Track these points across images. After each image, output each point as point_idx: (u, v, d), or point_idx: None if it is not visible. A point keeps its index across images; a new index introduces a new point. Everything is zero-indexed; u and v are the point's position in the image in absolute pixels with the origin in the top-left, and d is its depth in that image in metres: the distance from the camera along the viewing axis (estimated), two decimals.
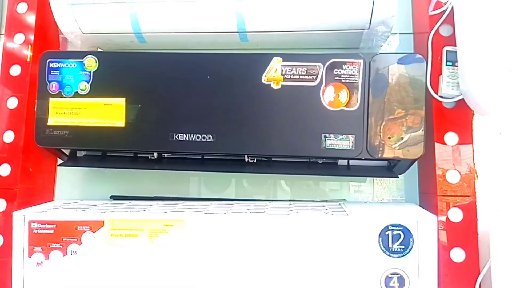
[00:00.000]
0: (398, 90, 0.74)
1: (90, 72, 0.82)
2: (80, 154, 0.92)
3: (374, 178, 0.93)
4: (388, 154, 0.74)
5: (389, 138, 0.74)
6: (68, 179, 1.02)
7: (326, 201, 0.91)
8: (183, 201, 0.88)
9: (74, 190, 1.02)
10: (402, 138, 0.74)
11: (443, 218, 0.77)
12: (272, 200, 0.89)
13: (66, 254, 0.76)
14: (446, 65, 0.79)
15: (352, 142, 0.74)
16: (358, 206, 0.80)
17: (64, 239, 0.77)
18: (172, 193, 0.97)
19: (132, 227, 0.76)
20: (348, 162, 0.81)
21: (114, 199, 0.96)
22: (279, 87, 0.76)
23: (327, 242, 0.71)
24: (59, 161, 0.94)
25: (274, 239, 0.72)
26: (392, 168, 0.81)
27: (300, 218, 0.73)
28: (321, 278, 0.71)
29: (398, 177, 0.83)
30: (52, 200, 1.00)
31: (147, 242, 0.75)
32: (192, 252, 0.74)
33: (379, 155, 0.74)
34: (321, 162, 0.83)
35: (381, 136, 0.74)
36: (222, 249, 0.73)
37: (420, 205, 0.84)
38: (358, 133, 0.74)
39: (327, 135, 0.75)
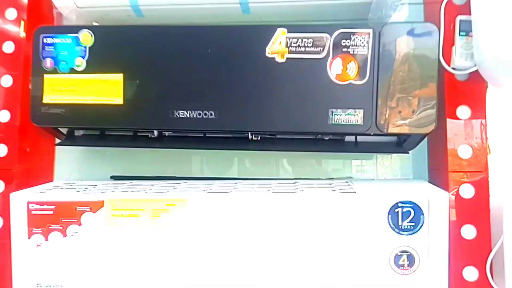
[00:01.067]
0: (410, 61, 0.71)
1: (85, 47, 0.79)
2: (78, 133, 0.90)
3: (378, 157, 0.90)
4: (398, 129, 0.71)
5: (400, 112, 0.71)
6: (68, 160, 1.00)
7: (333, 179, 0.88)
8: (185, 181, 0.86)
9: (74, 170, 1.00)
10: (413, 112, 0.70)
11: (454, 195, 0.74)
12: (276, 179, 0.86)
13: (66, 235, 0.75)
14: (460, 35, 0.75)
15: (361, 117, 0.71)
16: (365, 184, 0.78)
17: (63, 220, 0.75)
18: (174, 172, 0.95)
19: (133, 207, 0.74)
20: (356, 138, 0.78)
21: (114, 179, 0.94)
22: (283, 60, 0.73)
23: (334, 220, 0.69)
24: (58, 141, 0.91)
25: (279, 218, 0.70)
26: (401, 144, 0.78)
27: (306, 196, 0.71)
28: (328, 256, 0.69)
29: (408, 153, 0.80)
30: (52, 181, 0.98)
31: (148, 222, 0.73)
32: (195, 232, 0.72)
33: (389, 130, 0.71)
34: (327, 138, 0.80)
35: (391, 111, 0.71)
36: (226, 229, 0.71)
37: (429, 182, 0.81)
38: (367, 107, 0.71)
39: (334, 110, 0.72)
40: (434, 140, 0.83)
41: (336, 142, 0.80)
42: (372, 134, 0.71)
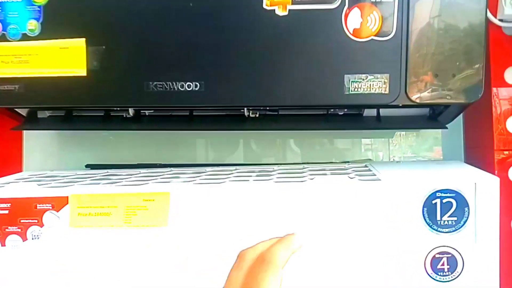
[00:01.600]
0: (449, 11, 0.55)
1: (39, 6, 0.63)
2: (43, 115, 0.75)
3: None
4: (435, 98, 0.55)
5: (436, 76, 0.55)
6: (39, 147, 0.86)
7: (348, 162, 0.74)
8: (171, 169, 0.72)
9: (46, 159, 0.87)
10: (454, 76, 0.55)
11: (502, 179, 0.59)
12: (281, 164, 0.71)
13: (26, 239, 0.61)
14: None
15: (386, 84, 0.56)
16: (390, 168, 0.63)
17: (22, 221, 0.61)
18: (162, 159, 0.81)
19: (103, 204, 0.60)
20: (378, 111, 0.63)
21: (91, 168, 0.80)
22: (286, 13, 0.57)
23: (354, 215, 0.55)
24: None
25: (285, 212, 0.56)
26: (436, 117, 0.63)
27: (318, 186, 0.56)
28: (347, 260, 0.55)
29: (446, 128, 0.64)
30: (21, 171, 0.84)
31: (122, 222, 0.58)
32: (180, 233, 0.57)
33: (423, 100, 0.55)
34: (341, 113, 0.65)
35: (426, 75, 0.55)
36: (217, 229, 0.57)
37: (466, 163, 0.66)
38: (394, 71, 0.55)
39: (351, 76, 0.56)
40: (474, 111, 0.67)
41: (353, 117, 0.65)
42: (400, 105, 0.56)
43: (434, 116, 0.63)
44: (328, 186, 0.56)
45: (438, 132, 0.77)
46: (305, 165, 0.70)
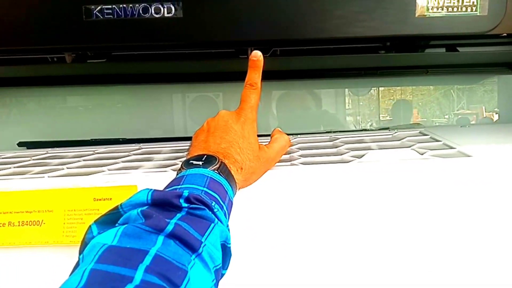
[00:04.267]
0: None
1: None
2: None
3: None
4: None
5: None
6: None
7: (387, 128, 0.53)
8: (139, 145, 0.49)
9: None
10: None
11: None
12: (294, 134, 0.50)
13: None
14: None
15: (483, 2, 0.34)
16: (462, 136, 0.43)
17: None
18: (126, 131, 0.58)
19: (30, 207, 0.37)
20: (454, 49, 0.41)
21: (27, 148, 0.57)
22: None
23: (433, 213, 0.34)
24: None
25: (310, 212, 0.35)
26: None
27: (374, 170, 0.35)
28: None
29: None
30: None
31: (61, 236, 0.36)
32: None
33: None
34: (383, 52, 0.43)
35: None
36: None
37: None
38: None
39: None
40: None
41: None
42: (504, 34, 0.34)
43: None
44: (394, 165, 0.35)
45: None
46: (331, 134, 0.49)
